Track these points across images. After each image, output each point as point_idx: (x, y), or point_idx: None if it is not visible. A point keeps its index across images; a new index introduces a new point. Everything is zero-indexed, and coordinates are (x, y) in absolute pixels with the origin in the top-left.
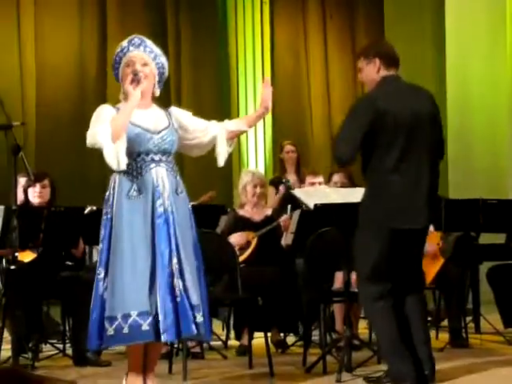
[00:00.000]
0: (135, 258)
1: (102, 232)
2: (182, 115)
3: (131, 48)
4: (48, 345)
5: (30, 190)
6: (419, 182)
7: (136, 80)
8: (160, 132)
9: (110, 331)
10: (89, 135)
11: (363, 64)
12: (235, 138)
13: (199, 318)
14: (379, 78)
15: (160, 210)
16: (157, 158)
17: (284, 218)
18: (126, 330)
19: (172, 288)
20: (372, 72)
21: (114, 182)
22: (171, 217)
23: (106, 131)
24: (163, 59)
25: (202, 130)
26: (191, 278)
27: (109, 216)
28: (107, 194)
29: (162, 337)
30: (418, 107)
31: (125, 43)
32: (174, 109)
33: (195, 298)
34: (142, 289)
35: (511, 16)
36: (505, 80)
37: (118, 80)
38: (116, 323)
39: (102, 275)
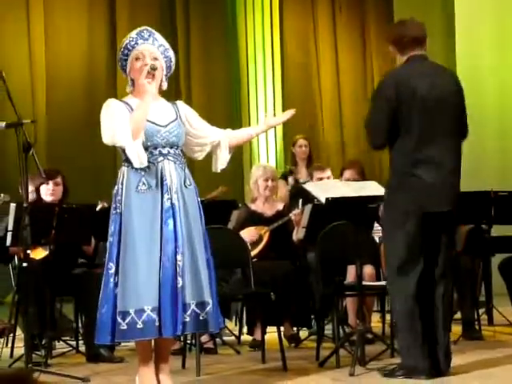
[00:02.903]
0: (147, 253)
1: (112, 226)
2: (188, 111)
3: (140, 41)
4: (61, 342)
5: (43, 188)
6: (443, 164)
7: (152, 74)
8: (167, 125)
9: (123, 326)
10: (106, 134)
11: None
12: (236, 146)
13: (186, 318)
14: (399, 63)
15: (167, 204)
16: (165, 151)
17: (295, 212)
18: (140, 325)
19: (174, 285)
20: (394, 58)
21: (123, 176)
22: (178, 211)
23: (125, 130)
24: (171, 53)
25: (207, 131)
26: (193, 273)
27: (118, 211)
28: (116, 188)
29: (164, 332)
30: (441, 88)
31: (133, 34)
32: (180, 103)
33: (189, 297)
34: (154, 284)
35: None
36: None
37: (125, 72)
38: (129, 318)
39: (114, 270)
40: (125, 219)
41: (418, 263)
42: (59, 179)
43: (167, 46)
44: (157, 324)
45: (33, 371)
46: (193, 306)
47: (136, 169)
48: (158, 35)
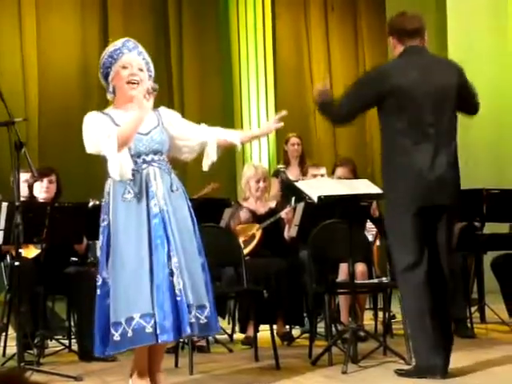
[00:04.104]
0: (136, 260)
1: (101, 239)
2: (171, 115)
3: (125, 50)
4: (53, 341)
5: (37, 185)
6: (437, 158)
7: (150, 94)
8: (149, 133)
9: (117, 337)
10: (90, 142)
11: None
12: (223, 148)
13: (192, 319)
14: (398, 53)
15: (155, 210)
16: (148, 158)
17: (286, 210)
18: (129, 334)
19: (172, 288)
20: (392, 50)
21: (109, 188)
22: (167, 216)
23: (110, 140)
24: (152, 67)
25: (193, 133)
26: (190, 277)
27: (106, 222)
28: (104, 200)
29: (161, 337)
30: (435, 80)
31: (118, 44)
32: (163, 109)
33: (191, 298)
34: (144, 291)
35: None
36: (509, 65)
37: (106, 79)
38: (121, 328)
39: (101, 282)
40: (113, 230)
41: (422, 260)
42: (53, 177)
43: (149, 59)
44: (149, 331)
45: (25, 370)
46: (194, 309)
47: None
48: (141, 48)
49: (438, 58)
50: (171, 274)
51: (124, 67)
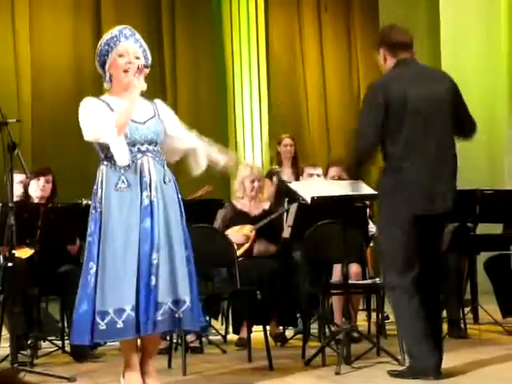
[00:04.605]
0: (125, 251)
1: (92, 226)
2: (166, 110)
3: (122, 38)
4: (47, 342)
5: (33, 183)
6: (436, 166)
7: (139, 72)
8: (146, 122)
9: (102, 325)
10: (89, 130)
11: (376, 56)
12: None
13: (158, 317)
14: (390, 65)
15: (146, 201)
16: (143, 148)
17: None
18: (120, 325)
19: (148, 283)
20: (381, 62)
21: (102, 175)
22: (157, 208)
23: (109, 126)
24: (149, 55)
25: (183, 134)
26: (171, 271)
27: (98, 210)
28: (95, 187)
29: (143, 330)
30: (432, 90)
31: (115, 32)
32: (159, 101)
33: (162, 295)
34: (132, 283)
35: (505, 3)
36: (501, 68)
37: (103, 67)
38: (108, 318)
39: (95, 269)
40: (104, 218)
41: (414, 263)
42: (50, 177)
43: (146, 47)
44: (134, 322)
45: (18, 371)
46: (169, 304)
47: (115, 167)
48: (138, 35)
49: (432, 68)
50: (149, 269)
51: (121, 55)
